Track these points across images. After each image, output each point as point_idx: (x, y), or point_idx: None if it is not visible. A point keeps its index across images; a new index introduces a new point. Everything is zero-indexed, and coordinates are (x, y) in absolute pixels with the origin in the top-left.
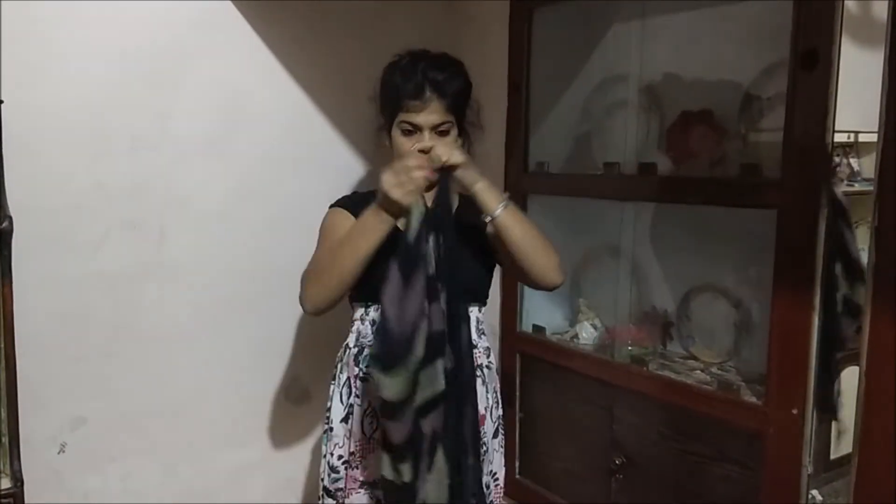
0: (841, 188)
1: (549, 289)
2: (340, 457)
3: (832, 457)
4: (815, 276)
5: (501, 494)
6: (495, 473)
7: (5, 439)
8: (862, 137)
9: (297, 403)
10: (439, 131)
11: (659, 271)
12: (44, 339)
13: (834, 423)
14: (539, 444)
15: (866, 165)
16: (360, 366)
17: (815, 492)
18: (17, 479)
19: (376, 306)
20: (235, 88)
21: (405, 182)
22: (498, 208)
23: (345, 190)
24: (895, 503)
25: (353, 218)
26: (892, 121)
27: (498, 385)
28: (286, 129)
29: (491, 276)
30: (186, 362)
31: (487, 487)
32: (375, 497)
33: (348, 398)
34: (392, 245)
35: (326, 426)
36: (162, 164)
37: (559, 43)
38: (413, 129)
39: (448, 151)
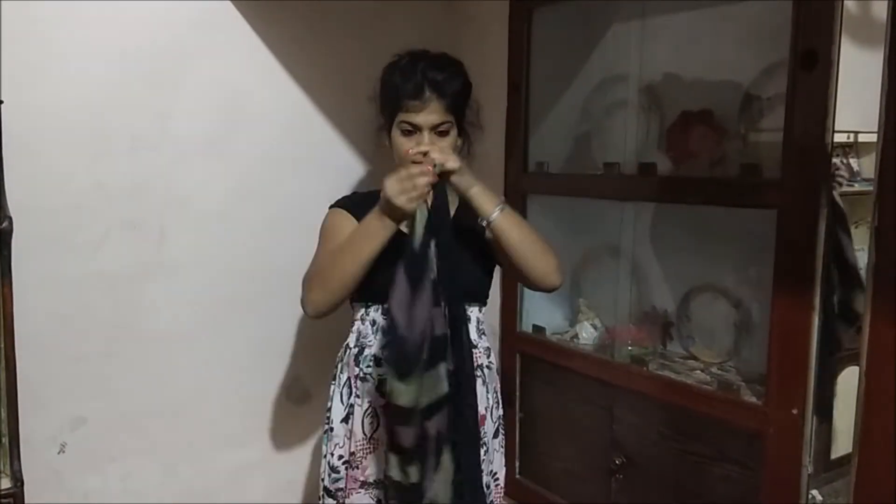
0: (839, 191)
1: (549, 290)
2: (341, 457)
3: (832, 457)
4: (815, 277)
5: (502, 494)
6: (496, 473)
7: (5, 439)
8: (862, 137)
9: (297, 403)
10: (439, 131)
11: (659, 271)
12: (44, 339)
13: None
14: (539, 444)
15: (866, 165)
16: (361, 366)
17: (815, 492)
18: (18, 479)
19: (377, 306)
20: (235, 88)
21: (409, 189)
22: (494, 212)
23: (345, 190)
24: (895, 503)
25: (353, 219)
26: (892, 121)
27: (498, 385)
28: (286, 129)
29: (491, 277)
30: (186, 362)
31: (488, 487)
32: (375, 497)
33: (349, 398)
34: (393, 246)
35: (327, 426)
36: (162, 164)
37: (559, 43)
38: (413, 129)
39: (444, 157)
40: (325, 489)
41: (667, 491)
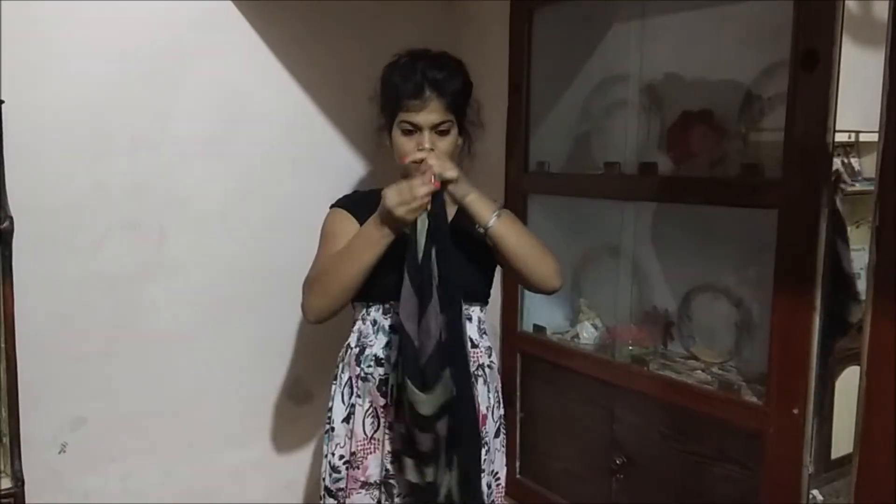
0: (839, 197)
1: (548, 293)
2: (342, 457)
3: (833, 457)
4: (816, 277)
5: (503, 494)
6: (497, 473)
7: (6, 439)
8: (863, 137)
9: (297, 403)
10: (439, 131)
11: (659, 271)
12: (44, 339)
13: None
14: (539, 444)
15: (867, 165)
16: (362, 366)
17: (815, 492)
18: (18, 479)
19: (378, 306)
20: (235, 88)
21: (408, 200)
22: (491, 219)
23: (345, 190)
24: None
25: (353, 219)
26: (893, 121)
27: (499, 385)
28: (286, 129)
29: (492, 277)
30: (186, 362)
31: (489, 487)
32: (376, 498)
33: (350, 398)
34: (393, 247)
35: (328, 426)
36: (162, 164)
37: (559, 43)
38: (413, 129)
39: (442, 166)
40: (326, 489)
41: (667, 491)
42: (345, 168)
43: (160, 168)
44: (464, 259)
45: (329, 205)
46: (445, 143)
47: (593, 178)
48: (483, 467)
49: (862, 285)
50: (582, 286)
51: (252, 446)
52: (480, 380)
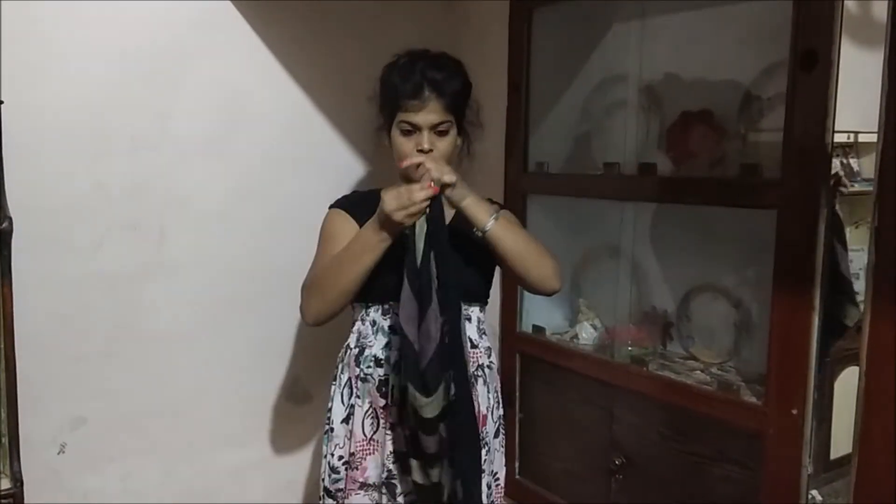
0: (837, 201)
1: (547, 294)
2: (341, 457)
3: (832, 457)
4: (815, 277)
5: (502, 494)
6: (496, 473)
7: (5, 439)
8: (862, 137)
9: (297, 404)
10: (438, 131)
11: (659, 271)
12: (44, 339)
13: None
14: (539, 445)
15: (866, 166)
16: (362, 366)
17: (814, 492)
18: (17, 480)
19: (377, 307)
20: (235, 88)
21: (407, 206)
22: (489, 222)
23: (344, 190)
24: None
25: (352, 220)
26: (892, 121)
27: (499, 385)
28: (286, 129)
29: (491, 277)
30: (186, 362)
31: (489, 487)
32: (374, 500)
33: (349, 399)
34: (392, 249)
35: (327, 426)
36: (162, 164)
37: (559, 43)
38: (412, 129)
39: (439, 169)
40: (326, 489)
41: (667, 491)
42: (345, 168)
43: (160, 168)
44: (463, 260)
45: (328, 205)
46: (444, 144)
47: (593, 178)
48: (483, 467)
49: (860, 286)
50: (581, 286)
51: (252, 446)
52: (480, 380)
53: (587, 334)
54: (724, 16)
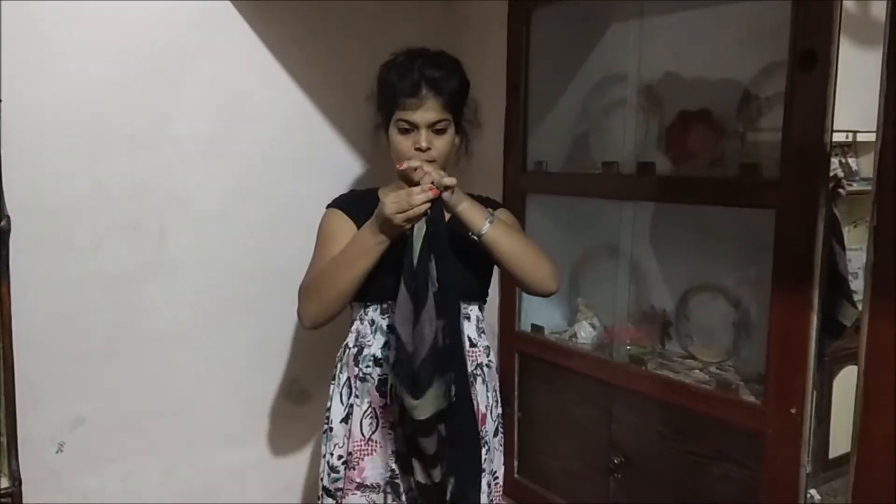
0: (835, 204)
1: (545, 296)
2: (340, 457)
3: (830, 456)
4: (814, 276)
5: (501, 493)
6: (495, 472)
7: (4, 439)
8: (860, 137)
9: (296, 403)
10: (436, 129)
11: (657, 271)
12: (43, 339)
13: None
14: (538, 444)
15: (865, 165)
16: (360, 366)
17: (813, 491)
18: (16, 479)
19: (375, 306)
20: (235, 88)
21: (407, 209)
22: (484, 226)
23: (344, 189)
24: (894, 503)
25: (349, 220)
26: (891, 120)
27: (498, 384)
28: (286, 129)
29: (490, 276)
30: (186, 362)
31: (488, 486)
32: (372, 501)
33: (348, 398)
34: (391, 249)
35: (326, 426)
36: (162, 164)
37: (558, 43)
38: (410, 128)
39: (439, 173)
40: (325, 489)
41: (665, 490)
42: (344, 168)
43: (160, 168)
44: (462, 260)
45: (326, 205)
46: (442, 142)
47: (592, 177)
48: (483, 467)
49: (859, 285)
50: (580, 286)
51: (252, 446)
52: (479, 379)
53: (586, 333)
54: (723, 15)
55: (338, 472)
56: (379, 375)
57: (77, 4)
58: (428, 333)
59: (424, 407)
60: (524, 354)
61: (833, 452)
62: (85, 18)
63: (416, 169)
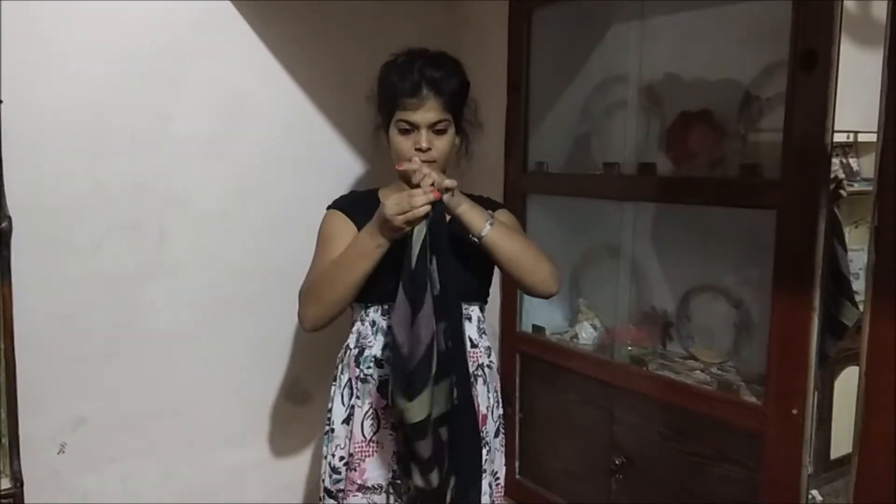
0: (836, 206)
1: (545, 297)
2: (342, 458)
3: (832, 457)
4: (815, 277)
5: (502, 494)
6: (496, 473)
7: (5, 440)
8: (861, 137)
9: (297, 404)
10: (436, 130)
11: (659, 271)
12: (44, 339)
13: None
14: (539, 445)
15: (866, 165)
16: (361, 367)
17: (814, 492)
18: (17, 480)
19: (376, 307)
20: (235, 88)
21: (407, 211)
22: (484, 228)
23: (344, 190)
24: (895, 503)
25: (349, 221)
26: (892, 121)
27: (499, 384)
28: (286, 129)
29: (491, 276)
30: (186, 362)
31: (489, 487)
32: (371, 502)
33: (349, 399)
34: (392, 250)
35: (327, 427)
36: (162, 164)
37: (558, 43)
38: (410, 128)
39: (440, 176)
40: (326, 490)
41: (667, 491)
42: (345, 168)
43: (160, 168)
44: (463, 260)
45: (326, 206)
46: (443, 143)
47: (592, 178)
48: (483, 467)
49: (860, 286)
50: (581, 286)
51: (252, 447)
52: (480, 380)
53: (587, 334)
54: (723, 16)
55: (339, 473)
56: (380, 376)
57: (77, 4)
58: (424, 336)
59: (417, 410)
60: (525, 355)
61: (835, 453)
62: (85, 18)
63: (415, 171)
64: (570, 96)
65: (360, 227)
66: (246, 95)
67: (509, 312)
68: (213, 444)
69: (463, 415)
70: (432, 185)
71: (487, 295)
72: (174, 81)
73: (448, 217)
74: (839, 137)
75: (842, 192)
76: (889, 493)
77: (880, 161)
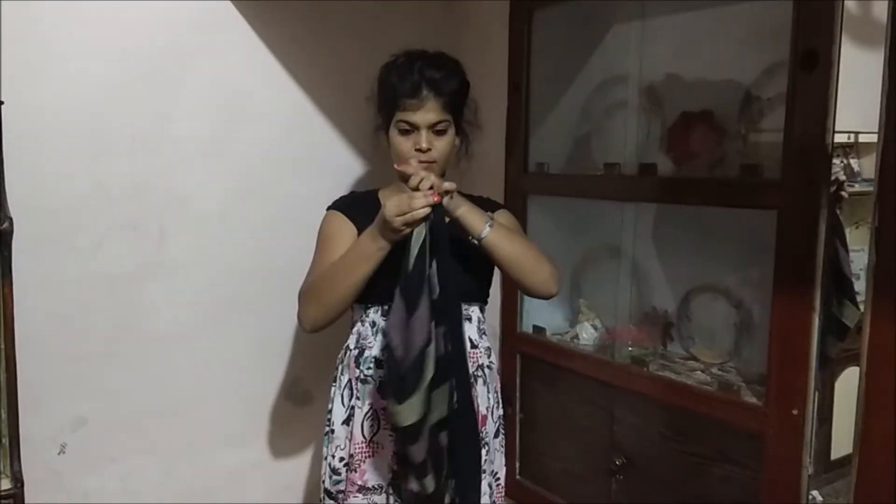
0: (839, 207)
1: (544, 298)
2: (342, 459)
3: (832, 457)
4: (815, 277)
5: (503, 494)
6: (496, 473)
7: (5, 440)
8: (862, 138)
9: (297, 404)
10: (436, 130)
11: (659, 272)
12: (44, 339)
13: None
14: (539, 445)
15: (866, 166)
16: (361, 367)
17: (815, 492)
18: (18, 480)
19: (376, 308)
20: (235, 88)
21: (407, 213)
22: (484, 230)
23: (344, 190)
24: None
25: (349, 222)
26: (892, 121)
27: (499, 385)
28: (286, 129)
29: (491, 277)
30: (186, 362)
31: (490, 488)
32: (373, 502)
33: (349, 400)
34: (393, 251)
35: (328, 428)
36: (162, 164)
37: (559, 43)
38: (410, 129)
39: (439, 180)
40: (326, 491)
41: (667, 491)
42: (345, 168)
43: (160, 168)
44: (462, 261)
45: (326, 206)
46: (443, 143)
47: (593, 178)
48: (483, 468)
49: (861, 286)
50: (582, 287)
51: (252, 447)
52: (480, 380)
53: (587, 335)
54: (724, 16)
55: (339, 474)
56: (380, 377)
57: (77, 4)
58: (418, 340)
59: (407, 413)
60: (526, 356)
61: (835, 453)
62: (85, 18)
63: (412, 174)
64: (570, 97)
65: (359, 227)
66: (246, 95)
67: (510, 313)
68: (213, 444)
69: (463, 418)
70: (431, 188)
71: (487, 295)
72: (174, 81)
73: (447, 219)
74: (840, 138)
75: (843, 193)
76: (889, 494)
77: (881, 162)
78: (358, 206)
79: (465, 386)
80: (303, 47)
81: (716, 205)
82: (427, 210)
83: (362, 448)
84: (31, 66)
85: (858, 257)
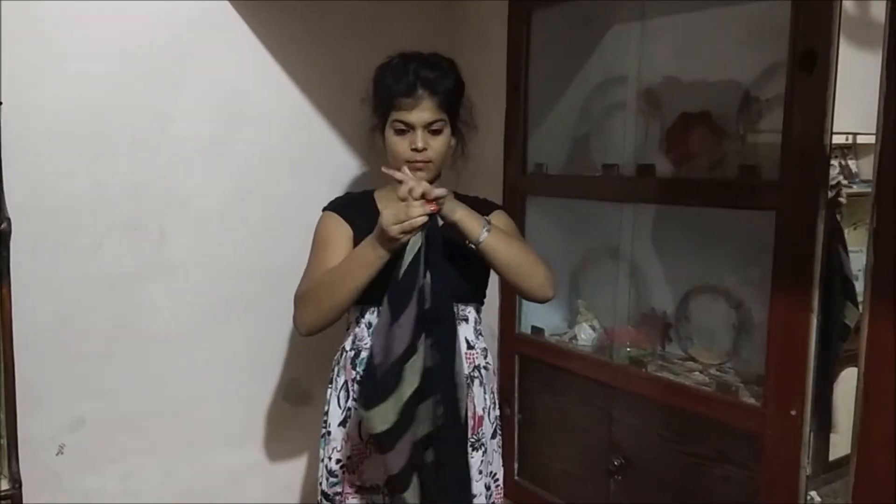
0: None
1: (541, 302)
2: (339, 461)
3: (831, 458)
4: (814, 278)
5: (501, 495)
6: (495, 474)
7: (4, 440)
8: (860, 139)
9: (296, 404)
10: (432, 130)
11: (658, 272)
12: (43, 339)
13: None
14: (538, 446)
15: (864, 167)
16: (357, 369)
17: (813, 493)
18: (16, 481)
19: (373, 309)
20: (234, 89)
21: (403, 221)
22: (482, 234)
23: (342, 190)
24: None
25: (345, 223)
26: (891, 122)
27: (495, 385)
28: (285, 129)
29: (487, 278)
30: (186, 362)
31: (488, 489)
32: (371, 502)
33: (346, 402)
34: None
35: (324, 430)
36: (162, 164)
37: (558, 44)
38: (406, 128)
39: (430, 187)
40: (323, 493)
41: (666, 492)
42: (343, 168)
43: (160, 168)
44: (459, 261)
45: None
46: (438, 143)
47: (592, 179)
48: (481, 469)
49: (859, 287)
50: (580, 288)
51: (252, 447)
52: (476, 381)
53: (586, 335)
54: (723, 16)
55: (336, 476)
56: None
57: (77, 4)
58: (397, 348)
59: (376, 420)
60: (524, 356)
61: (833, 454)
62: (85, 18)
63: (402, 182)
64: (569, 97)
65: (355, 228)
66: (245, 95)
67: (508, 314)
68: (213, 445)
69: (449, 434)
70: (423, 195)
71: (484, 296)
72: (174, 81)
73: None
74: (838, 139)
75: (840, 199)
76: (889, 494)
77: (879, 163)
78: (354, 207)
79: (452, 401)
80: (302, 47)
81: (714, 206)
82: (424, 219)
83: (360, 449)
84: (31, 66)
85: (857, 258)
